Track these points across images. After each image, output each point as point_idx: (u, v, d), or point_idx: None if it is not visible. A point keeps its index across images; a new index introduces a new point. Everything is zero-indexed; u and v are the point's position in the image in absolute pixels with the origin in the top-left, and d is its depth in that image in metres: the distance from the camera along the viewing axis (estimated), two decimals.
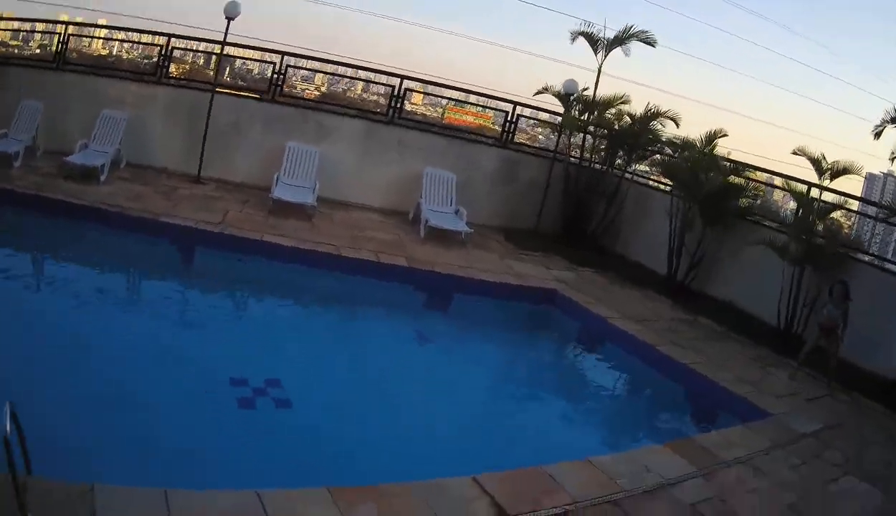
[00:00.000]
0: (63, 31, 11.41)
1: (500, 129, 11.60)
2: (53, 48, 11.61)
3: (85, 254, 8.32)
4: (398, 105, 10.99)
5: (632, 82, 11.12)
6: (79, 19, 11.81)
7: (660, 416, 7.09)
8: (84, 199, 8.61)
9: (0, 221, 8.34)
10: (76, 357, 5.51)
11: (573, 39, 11.43)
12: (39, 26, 12.18)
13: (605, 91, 11.12)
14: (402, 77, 10.90)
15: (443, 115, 12.46)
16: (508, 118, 11.35)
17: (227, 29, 10.35)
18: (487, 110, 13.19)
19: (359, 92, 12.29)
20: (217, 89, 10.64)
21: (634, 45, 11.01)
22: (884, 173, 12.35)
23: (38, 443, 2.98)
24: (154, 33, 11.40)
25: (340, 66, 11.15)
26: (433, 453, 5.32)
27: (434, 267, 8.72)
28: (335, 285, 8.44)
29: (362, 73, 11.15)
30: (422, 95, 12.50)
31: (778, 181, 10.23)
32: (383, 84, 11.02)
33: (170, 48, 11.18)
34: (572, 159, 11.16)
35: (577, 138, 11.19)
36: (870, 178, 16.86)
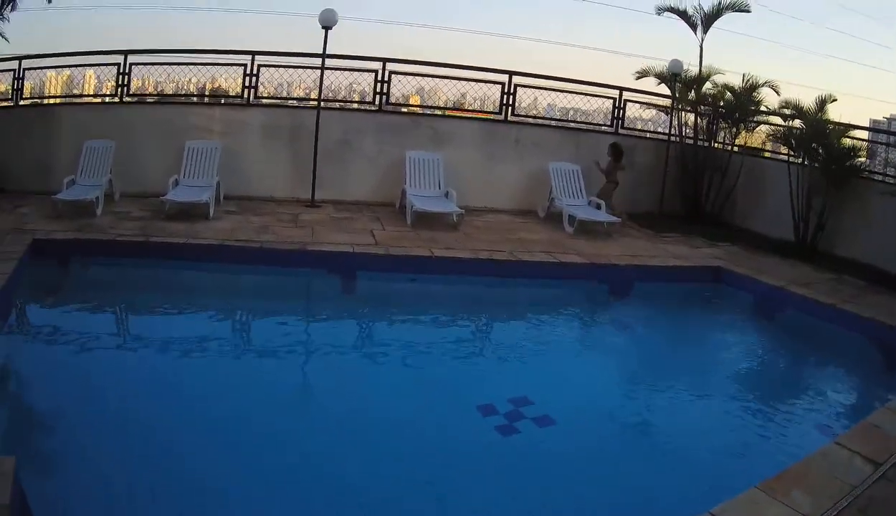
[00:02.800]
0: (123, 61, 10.65)
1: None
2: (112, 82, 10.84)
3: (239, 298, 7.81)
4: (511, 102, 10.87)
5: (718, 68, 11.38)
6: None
7: (886, 365, 7.22)
8: (207, 239, 8.07)
9: (119, 276, 7.69)
10: (301, 409, 5.32)
11: (660, 12, 11.63)
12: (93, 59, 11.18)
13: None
14: (511, 73, 10.78)
15: (444, 108, 12.31)
16: (616, 104, 11.44)
17: (325, 40, 9.97)
18: (486, 108, 13.11)
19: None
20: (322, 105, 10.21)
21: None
22: (886, 118, 13.04)
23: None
24: (235, 52, 10.75)
25: (445, 68, 10.85)
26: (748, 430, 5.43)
27: (610, 259, 8.73)
28: (521, 290, 8.38)
29: (467, 74, 10.88)
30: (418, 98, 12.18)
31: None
32: (490, 82, 10.86)
33: (255, 66, 10.62)
34: (688, 140, 11.35)
35: (686, 117, 11.38)
36: (873, 124, 17.76)
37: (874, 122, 20.18)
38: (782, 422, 5.74)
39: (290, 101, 11.27)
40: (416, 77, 10.88)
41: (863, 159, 10.12)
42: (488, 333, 7.73)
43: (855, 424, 4.90)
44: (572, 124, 11.74)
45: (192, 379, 5.65)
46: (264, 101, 10.87)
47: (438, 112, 11.49)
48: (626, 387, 6.41)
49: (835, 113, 10.27)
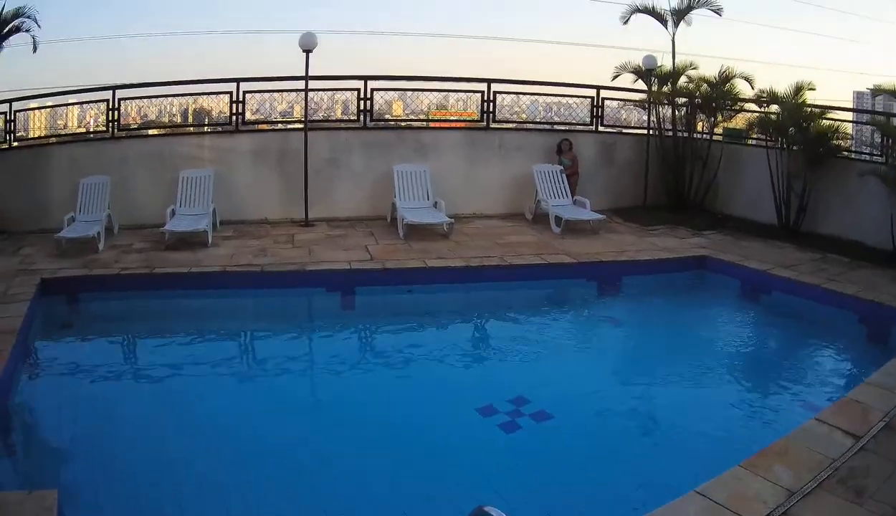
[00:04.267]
0: (112, 98, 10.85)
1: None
2: (103, 117, 11.04)
3: (246, 321, 8.00)
4: (491, 110, 11.13)
5: (694, 55, 11.66)
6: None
7: (868, 340, 7.46)
8: (210, 266, 8.31)
9: (129, 308, 7.86)
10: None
11: (626, 20, 11.89)
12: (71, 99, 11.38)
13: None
14: (489, 81, 11.02)
15: (427, 120, 12.51)
16: (595, 103, 11.69)
17: (307, 63, 10.20)
18: (469, 109, 13.28)
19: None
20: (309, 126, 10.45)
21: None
22: (869, 90, 13.20)
23: None
24: (220, 81, 10.95)
25: (425, 82, 11.11)
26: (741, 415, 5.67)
27: (599, 257, 8.96)
28: (514, 293, 8.59)
29: (448, 85, 11.14)
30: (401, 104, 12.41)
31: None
32: (469, 91, 11.13)
33: (241, 93, 10.85)
34: (667, 132, 11.60)
35: (664, 110, 11.63)
36: (858, 96, 17.99)
37: (857, 93, 20.41)
38: (767, 403, 5.98)
39: (276, 125, 11.48)
40: (398, 91, 11.13)
41: (842, 143, 10.26)
42: (483, 338, 7.93)
43: (836, 400, 5.08)
44: (553, 126, 11.99)
45: (212, 400, 5.85)
46: (252, 126, 11.08)
47: (421, 124, 11.70)
48: (619, 380, 6.65)
49: (817, 91, 10.47)
